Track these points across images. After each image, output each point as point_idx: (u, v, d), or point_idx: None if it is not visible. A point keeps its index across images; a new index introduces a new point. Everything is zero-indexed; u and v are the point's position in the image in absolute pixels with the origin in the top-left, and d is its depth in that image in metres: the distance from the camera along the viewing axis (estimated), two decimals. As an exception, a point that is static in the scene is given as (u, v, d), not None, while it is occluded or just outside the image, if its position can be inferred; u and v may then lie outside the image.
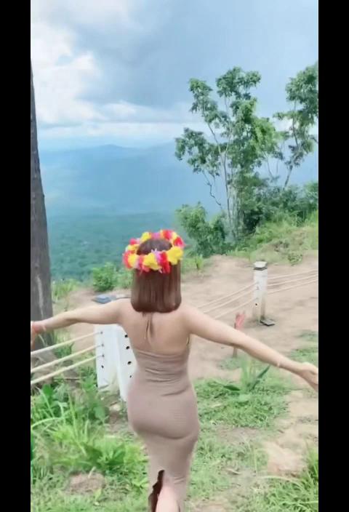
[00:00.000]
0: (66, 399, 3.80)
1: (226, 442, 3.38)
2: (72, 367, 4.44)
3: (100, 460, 2.92)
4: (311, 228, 14.60)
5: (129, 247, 1.92)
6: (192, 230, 17.04)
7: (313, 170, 18.83)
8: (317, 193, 16.85)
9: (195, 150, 18.59)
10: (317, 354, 5.59)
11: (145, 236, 1.94)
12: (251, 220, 16.01)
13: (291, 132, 19.56)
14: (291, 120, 19.32)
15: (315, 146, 19.81)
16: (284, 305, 7.94)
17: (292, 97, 18.15)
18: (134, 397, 2.05)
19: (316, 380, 1.74)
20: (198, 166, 18.64)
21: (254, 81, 17.38)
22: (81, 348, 4.76)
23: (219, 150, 18.40)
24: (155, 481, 2.07)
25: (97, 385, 4.34)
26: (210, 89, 17.92)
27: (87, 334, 4.58)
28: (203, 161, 18.61)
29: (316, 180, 17.69)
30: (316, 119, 18.82)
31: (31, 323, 2.10)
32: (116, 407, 4.03)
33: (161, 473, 2.07)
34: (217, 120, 18.04)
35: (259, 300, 7.03)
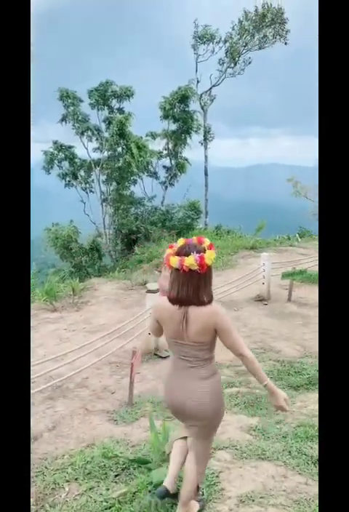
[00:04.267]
0: None
1: None
2: None
3: None
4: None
5: (169, 251, 2.32)
6: (64, 251, 15.37)
7: (189, 190, 18.91)
8: (193, 212, 16.73)
9: (66, 164, 17.08)
10: (234, 390, 4.74)
11: (181, 241, 2.35)
12: (130, 239, 15.07)
13: (165, 152, 19.34)
14: (164, 140, 19.10)
15: (188, 167, 19.94)
16: (177, 332, 7.04)
17: (166, 116, 17.92)
18: (170, 382, 2.42)
19: (286, 406, 2.25)
20: (69, 181, 17.12)
21: (128, 96, 16.71)
22: None
23: (93, 165, 17.20)
24: (182, 435, 2.54)
25: None
26: (81, 101, 16.71)
27: None
28: (76, 177, 17.18)
29: (191, 199, 17.65)
30: (189, 140, 18.93)
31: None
32: None
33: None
34: (89, 133, 16.86)
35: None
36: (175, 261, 2.22)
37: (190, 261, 2.18)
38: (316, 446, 3.21)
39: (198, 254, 2.19)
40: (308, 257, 11.52)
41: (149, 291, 5.98)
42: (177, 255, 2.24)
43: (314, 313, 7.59)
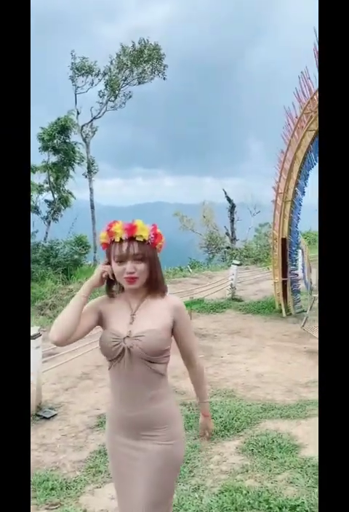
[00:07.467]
0: None
1: None
2: None
3: None
4: (79, 285, 13.20)
5: (120, 223, 1.79)
6: None
7: (74, 225, 17.81)
8: (80, 247, 15.67)
9: None
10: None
11: (119, 226, 1.77)
12: (8, 281, 13.38)
13: (46, 186, 18.12)
14: (45, 173, 17.92)
15: (72, 201, 18.95)
16: (65, 383, 5.91)
17: (45, 148, 16.85)
18: None
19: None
20: None
21: (1, 125, 15.31)
22: None
23: None
24: None
25: None
26: None
27: None
28: None
29: (78, 234, 16.59)
30: (72, 173, 18.04)
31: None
32: None
33: None
34: None
35: (33, 384, 4.86)
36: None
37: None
38: (250, 521, 2.49)
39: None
40: (202, 286, 11.28)
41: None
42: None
43: (215, 345, 7.12)
